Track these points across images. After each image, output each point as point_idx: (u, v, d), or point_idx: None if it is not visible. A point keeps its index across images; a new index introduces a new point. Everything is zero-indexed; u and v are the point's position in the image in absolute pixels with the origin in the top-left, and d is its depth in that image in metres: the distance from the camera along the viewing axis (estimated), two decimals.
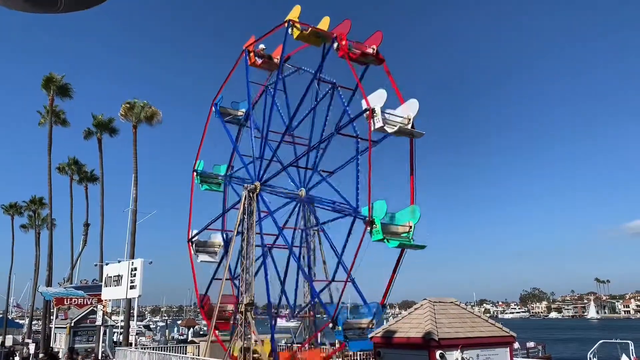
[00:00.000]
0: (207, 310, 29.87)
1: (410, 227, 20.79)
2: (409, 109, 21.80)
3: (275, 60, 29.38)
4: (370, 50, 23.76)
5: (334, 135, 25.31)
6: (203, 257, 31.59)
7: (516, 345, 47.53)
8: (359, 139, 25.15)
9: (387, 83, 23.39)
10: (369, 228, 20.66)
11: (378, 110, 21.06)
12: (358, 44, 23.84)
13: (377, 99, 21.76)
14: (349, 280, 23.48)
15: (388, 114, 21.55)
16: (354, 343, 21.27)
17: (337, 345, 25.50)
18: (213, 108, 31.67)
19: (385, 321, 22.24)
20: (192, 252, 31.31)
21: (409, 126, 21.63)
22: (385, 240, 20.34)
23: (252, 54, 29.51)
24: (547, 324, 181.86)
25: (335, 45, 23.75)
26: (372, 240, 20.58)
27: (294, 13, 26.77)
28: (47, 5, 4.67)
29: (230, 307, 29.04)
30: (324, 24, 25.75)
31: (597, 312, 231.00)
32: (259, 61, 29.68)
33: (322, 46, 25.74)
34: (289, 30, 26.34)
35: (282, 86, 29.69)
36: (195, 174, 31.81)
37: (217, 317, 27.83)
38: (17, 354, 42.84)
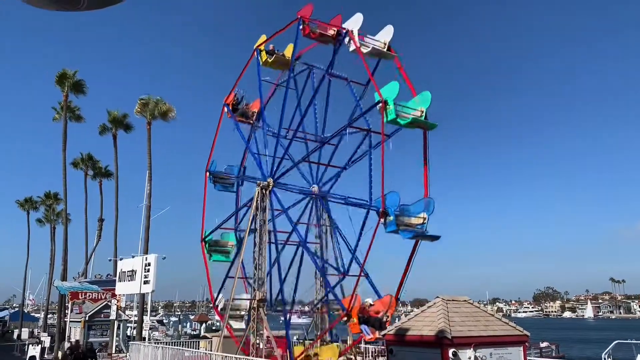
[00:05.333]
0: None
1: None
2: (385, 34, 23.63)
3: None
4: (331, 32, 25.41)
5: (346, 129, 25.40)
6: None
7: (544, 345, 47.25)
8: (372, 132, 25.28)
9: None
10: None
11: (355, 33, 23.01)
12: (322, 24, 25.89)
13: (353, 22, 23.56)
14: (362, 274, 23.20)
15: (369, 38, 23.57)
16: (407, 232, 20.30)
17: (350, 342, 25.49)
18: (207, 174, 31.51)
19: (397, 319, 22.20)
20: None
21: (385, 48, 23.25)
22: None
23: (306, 26, 28.01)
24: (551, 323, 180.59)
25: (301, 27, 25.98)
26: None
27: (260, 41, 29.13)
28: (69, 3, 4.68)
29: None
30: (289, 51, 28.13)
31: (603, 312, 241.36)
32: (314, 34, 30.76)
33: (335, 42, 26.16)
34: (259, 57, 28.89)
35: (294, 84, 29.79)
36: (208, 174, 31.87)
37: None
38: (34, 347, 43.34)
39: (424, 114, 21.00)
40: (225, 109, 31.03)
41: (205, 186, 31.68)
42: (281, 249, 29.30)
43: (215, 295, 30.34)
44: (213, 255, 31.05)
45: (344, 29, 24.17)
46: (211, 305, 36.75)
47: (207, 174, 31.44)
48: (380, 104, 21.20)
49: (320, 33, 25.73)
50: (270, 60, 28.92)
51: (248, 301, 30.25)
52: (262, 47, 29.45)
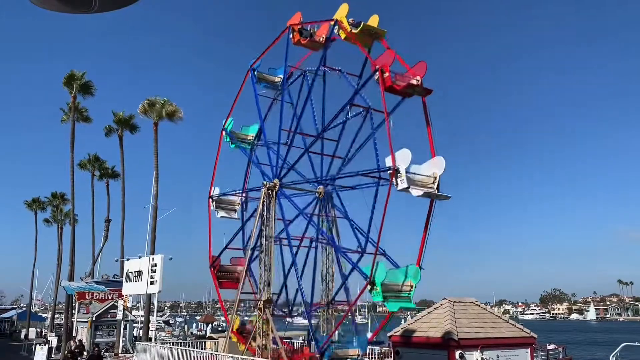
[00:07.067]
0: (217, 272, 30.25)
1: (411, 286, 20.56)
2: (436, 166, 20.98)
3: (319, 39, 27.76)
4: (414, 82, 22.50)
5: (345, 108, 25.23)
6: (222, 213, 31.96)
7: (551, 346, 47.01)
8: (372, 110, 25.48)
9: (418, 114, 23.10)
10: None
11: (403, 172, 20.52)
12: (401, 75, 22.64)
13: (401, 158, 20.86)
14: (378, 252, 22.16)
15: (412, 173, 20.71)
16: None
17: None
18: (249, 73, 31.13)
19: (403, 320, 22.24)
20: (212, 207, 31.71)
21: (435, 185, 20.73)
22: (385, 302, 20.39)
23: (296, 33, 28.05)
24: (558, 325, 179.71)
25: (376, 77, 22.66)
26: (373, 300, 20.90)
27: (341, 12, 25.61)
28: (81, 5, 4.72)
29: (240, 268, 29.45)
30: (373, 21, 25.06)
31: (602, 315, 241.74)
32: (304, 40, 27.88)
33: (361, 71, 25.50)
34: (334, 29, 25.83)
35: (322, 75, 28.95)
36: (224, 132, 32.10)
37: (227, 277, 30.10)
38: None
39: (413, 289, 20.49)
40: (289, 32, 28.84)
41: (243, 82, 31.66)
42: (295, 252, 29.13)
43: (213, 189, 31.87)
44: (234, 144, 32.16)
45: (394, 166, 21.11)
46: (217, 303, 37.23)
47: (250, 72, 31.22)
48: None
49: (407, 84, 22.45)
50: (356, 31, 25.75)
51: (239, 197, 31.91)
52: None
